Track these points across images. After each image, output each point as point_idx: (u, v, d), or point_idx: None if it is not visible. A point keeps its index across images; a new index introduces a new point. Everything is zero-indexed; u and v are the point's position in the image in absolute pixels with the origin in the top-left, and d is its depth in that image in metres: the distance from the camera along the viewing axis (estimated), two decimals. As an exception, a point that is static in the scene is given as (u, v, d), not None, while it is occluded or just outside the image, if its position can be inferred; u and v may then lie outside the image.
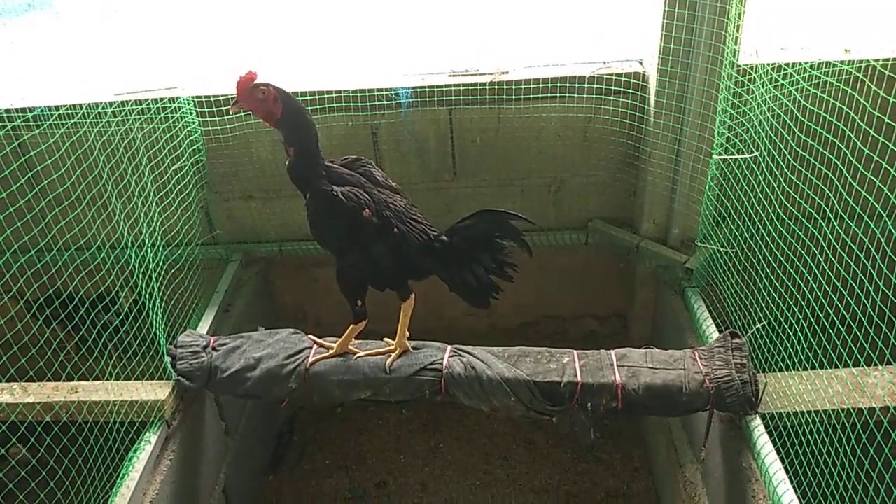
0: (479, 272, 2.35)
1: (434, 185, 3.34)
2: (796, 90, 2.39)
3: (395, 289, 2.43)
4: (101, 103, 2.80)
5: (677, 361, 2.45)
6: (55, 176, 2.46)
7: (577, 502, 3.37)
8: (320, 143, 2.23)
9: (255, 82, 2.11)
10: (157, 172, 2.85)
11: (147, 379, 2.58)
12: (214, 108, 3.04)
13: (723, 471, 2.48)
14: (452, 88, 3.02)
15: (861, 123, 2.04)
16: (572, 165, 3.27)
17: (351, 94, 3.03)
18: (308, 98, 2.99)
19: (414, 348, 2.54)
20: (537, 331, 3.88)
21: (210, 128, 3.09)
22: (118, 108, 2.87)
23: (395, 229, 2.27)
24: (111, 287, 2.58)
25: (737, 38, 2.53)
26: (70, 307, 2.57)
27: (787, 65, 2.48)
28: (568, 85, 2.99)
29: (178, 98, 2.99)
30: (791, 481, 2.04)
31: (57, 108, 2.79)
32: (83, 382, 2.55)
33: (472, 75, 3.07)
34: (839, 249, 2.14)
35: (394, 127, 3.16)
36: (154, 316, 2.48)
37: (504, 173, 3.31)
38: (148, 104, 2.94)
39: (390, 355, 2.50)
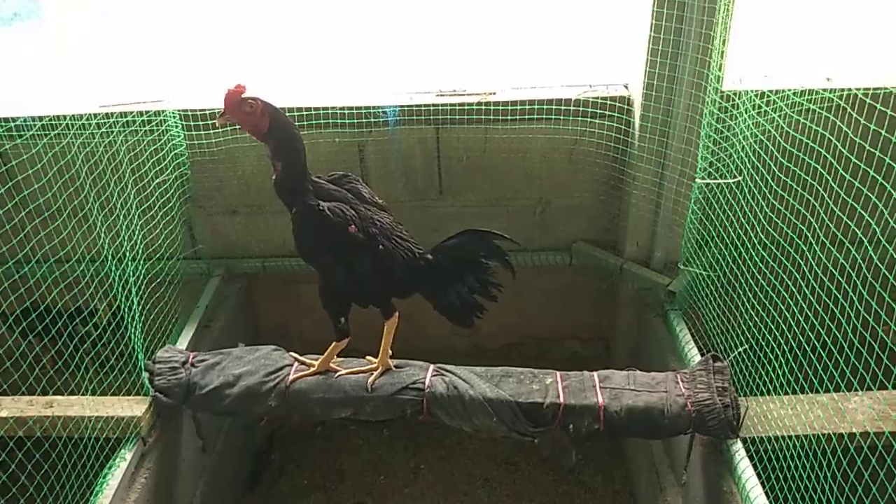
0: (464, 291, 2.35)
1: (420, 203, 3.34)
2: (779, 116, 2.43)
3: (378, 306, 2.42)
4: (85, 115, 2.78)
5: (659, 384, 2.45)
6: (36, 187, 2.44)
7: (558, 525, 3.35)
8: (307, 159, 2.23)
9: (243, 95, 2.10)
10: (140, 185, 2.83)
11: (124, 394, 2.54)
12: (200, 122, 3.02)
13: (704, 494, 2.47)
14: (440, 108, 3.04)
15: (843, 150, 2.06)
16: (557, 187, 3.29)
17: (339, 111, 3.03)
18: (295, 114, 2.99)
19: (396, 367, 2.52)
20: (521, 351, 3.88)
21: (195, 142, 3.08)
22: (102, 121, 2.85)
23: (381, 246, 2.26)
24: (89, 300, 2.55)
25: (721, 64, 2.56)
26: (47, 320, 2.53)
27: (770, 91, 2.51)
28: (554, 107, 3.01)
29: (163, 111, 2.98)
30: (771, 506, 2.04)
31: (40, 118, 2.76)
32: (58, 397, 2.51)
33: (459, 95, 3.09)
34: (821, 274, 2.16)
35: (381, 145, 3.16)
36: (132, 330, 2.44)
37: (490, 193, 3.32)
38: (133, 117, 2.92)
39: (372, 374, 2.48)
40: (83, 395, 2.52)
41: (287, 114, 2.21)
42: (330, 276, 2.34)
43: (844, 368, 2.00)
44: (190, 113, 3.02)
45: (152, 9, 3.72)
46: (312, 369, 2.51)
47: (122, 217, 2.54)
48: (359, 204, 2.29)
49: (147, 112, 2.95)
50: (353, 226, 2.20)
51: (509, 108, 3.03)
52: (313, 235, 2.23)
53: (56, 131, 2.66)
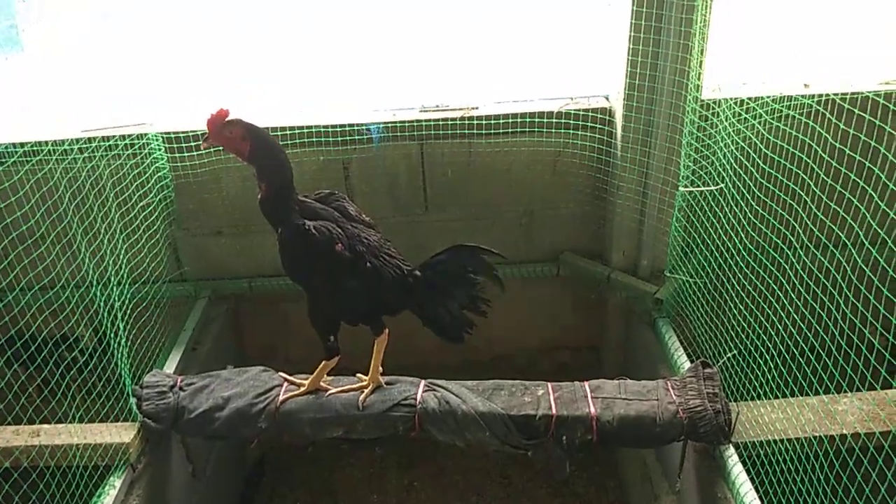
0: (453, 307, 2.35)
1: (406, 219, 3.34)
2: (759, 123, 2.46)
3: (368, 324, 2.41)
4: (67, 140, 2.77)
5: (650, 392, 2.46)
6: (18, 214, 2.41)
7: (554, 538, 3.33)
8: (293, 179, 2.23)
9: (227, 119, 2.11)
10: (123, 209, 2.81)
11: (112, 421, 2.50)
12: (184, 144, 3.02)
13: (698, 501, 2.47)
14: (423, 123, 3.05)
15: (823, 155, 2.09)
16: (542, 199, 3.30)
17: (322, 129, 3.04)
18: (279, 133, 2.99)
19: (387, 383, 2.51)
20: (510, 364, 3.87)
21: (179, 164, 3.07)
22: (85, 145, 2.83)
23: (368, 264, 2.25)
24: (75, 327, 2.52)
25: (700, 73, 2.60)
26: (32, 348, 2.50)
27: (749, 99, 2.55)
28: (537, 120, 3.03)
29: (146, 134, 2.97)
30: (766, 510, 2.05)
31: (22, 144, 2.74)
32: (45, 426, 2.47)
33: (442, 110, 3.10)
34: (805, 278, 2.18)
35: (365, 162, 3.16)
36: (119, 356, 2.42)
37: (475, 207, 3.33)
38: (115, 140, 2.91)
39: (363, 391, 2.46)
40: (70, 422, 2.48)
41: (271, 133, 2.21)
42: (318, 295, 2.33)
43: (833, 370, 2.02)
44: (173, 135, 3.01)
45: (137, 17, 3.71)
46: (302, 389, 2.49)
47: (106, 242, 2.52)
48: (346, 222, 2.29)
49: (129, 136, 2.94)
50: (339, 244, 2.19)
51: (492, 121, 3.05)
52: (300, 255, 2.22)
53: (38, 157, 2.65)
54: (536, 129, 3.06)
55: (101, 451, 2.37)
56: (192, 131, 2.99)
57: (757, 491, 2.11)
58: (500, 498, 3.52)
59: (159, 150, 3.02)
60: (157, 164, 3.03)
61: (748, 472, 2.18)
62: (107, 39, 3.39)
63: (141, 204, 2.90)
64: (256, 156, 2.16)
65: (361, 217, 2.38)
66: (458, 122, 3.05)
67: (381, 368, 2.49)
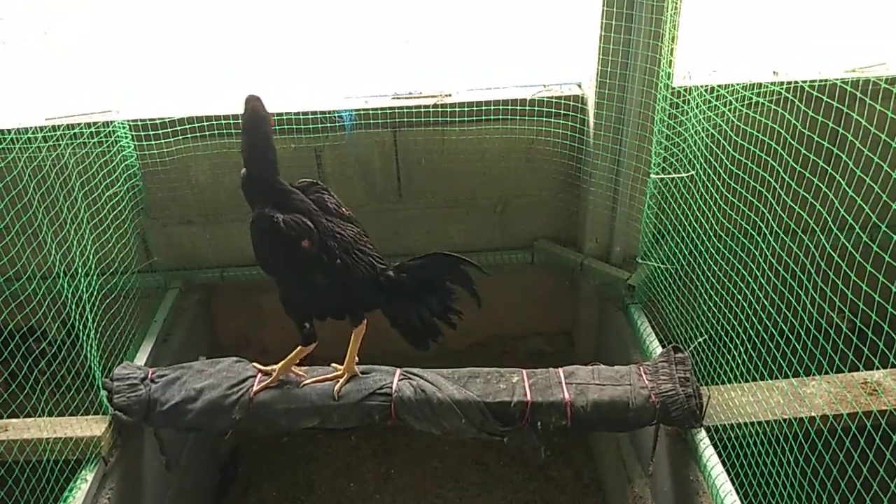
0: (425, 314, 2.33)
1: (379, 207, 3.32)
2: (729, 110, 2.48)
3: (339, 318, 2.38)
4: (31, 128, 2.70)
5: (623, 377, 2.48)
6: (-19, 204, 2.35)
7: (529, 522, 3.36)
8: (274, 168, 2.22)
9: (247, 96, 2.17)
10: (90, 199, 2.75)
11: (82, 414, 2.47)
12: (151, 132, 2.96)
13: (671, 484, 2.51)
14: (396, 110, 3.03)
15: (791, 141, 2.12)
16: (516, 186, 3.30)
17: (294, 117, 3.00)
18: (249, 121, 2.94)
19: (363, 373, 2.50)
20: (486, 351, 3.88)
21: (146, 152, 3.01)
22: (49, 133, 2.77)
23: (339, 261, 2.22)
24: (42, 319, 2.47)
25: (671, 61, 2.61)
26: (-2, 341, 2.45)
27: (719, 86, 2.57)
28: (510, 107, 3.03)
29: (112, 122, 2.91)
30: (737, 492, 2.08)
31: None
32: (14, 420, 2.43)
33: (415, 98, 3.08)
34: (774, 263, 2.21)
35: (338, 149, 3.13)
36: (88, 348, 2.38)
37: (449, 194, 3.32)
38: (81, 129, 2.85)
39: (338, 381, 2.45)
40: (39, 416, 2.44)
41: (235, 119, 2.20)
42: (286, 287, 2.31)
43: (802, 354, 2.05)
44: (140, 123, 2.96)
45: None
46: (273, 375, 2.46)
47: (72, 232, 2.47)
48: (321, 215, 2.25)
49: (95, 123, 2.88)
50: (307, 240, 2.16)
51: (465, 109, 3.04)
52: (267, 246, 2.20)
53: (1, 146, 2.58)
54: (510, 117, 3.06)
55: (72, 444, 2.34)
56: (158, 119, 2.94)
57: (728, 473, 2.15)
58: (477, 484, 3.55)
59: (126, 137, 2.97)
60: (124, 153, 2.97)
61: (719, 454, 2.22)
62: (105, 39, 3.32)
63: (108, 193, 2.85)
64: (242, 136, 2.19)
65: (340, 210, 2.34)
66: (431, 109, 3.03)
67: (356, 358, 2.48)
